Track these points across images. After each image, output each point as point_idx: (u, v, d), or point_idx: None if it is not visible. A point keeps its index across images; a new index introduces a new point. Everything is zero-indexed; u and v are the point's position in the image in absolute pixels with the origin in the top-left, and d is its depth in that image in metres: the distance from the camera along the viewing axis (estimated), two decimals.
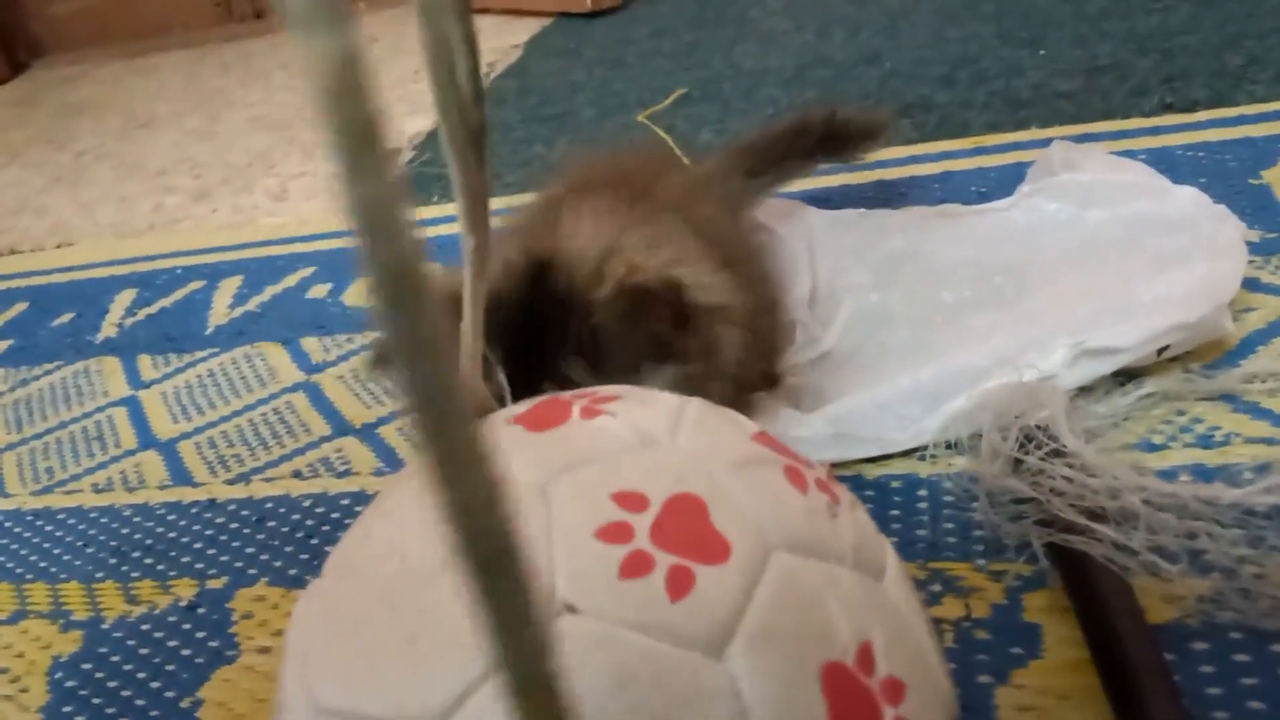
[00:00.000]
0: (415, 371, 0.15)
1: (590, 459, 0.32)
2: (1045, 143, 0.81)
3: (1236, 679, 0.43)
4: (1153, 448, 0.55)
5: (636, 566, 0.28)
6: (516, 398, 0.50)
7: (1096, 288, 0.65)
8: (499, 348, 0.52)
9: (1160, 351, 0.59)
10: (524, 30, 1.71)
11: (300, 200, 1.26)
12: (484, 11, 1.83)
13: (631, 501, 0.30)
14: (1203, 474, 0.53)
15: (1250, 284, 0.64)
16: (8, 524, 0.73)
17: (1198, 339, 0.60)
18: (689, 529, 0.30)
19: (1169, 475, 0.52)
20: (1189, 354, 0.60)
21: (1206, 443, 0.55)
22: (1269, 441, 0.54)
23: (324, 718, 0.30)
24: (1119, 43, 1.08)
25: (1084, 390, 0.59)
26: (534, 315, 0.55)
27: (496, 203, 0.50)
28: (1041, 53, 1.10)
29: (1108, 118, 0.91)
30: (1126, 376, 0.59)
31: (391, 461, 0.70)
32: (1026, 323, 0.63)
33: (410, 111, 1.41)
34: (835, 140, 0.80)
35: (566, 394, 0.37)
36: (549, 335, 0.54)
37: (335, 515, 0.66)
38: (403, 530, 0.33)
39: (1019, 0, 1.28)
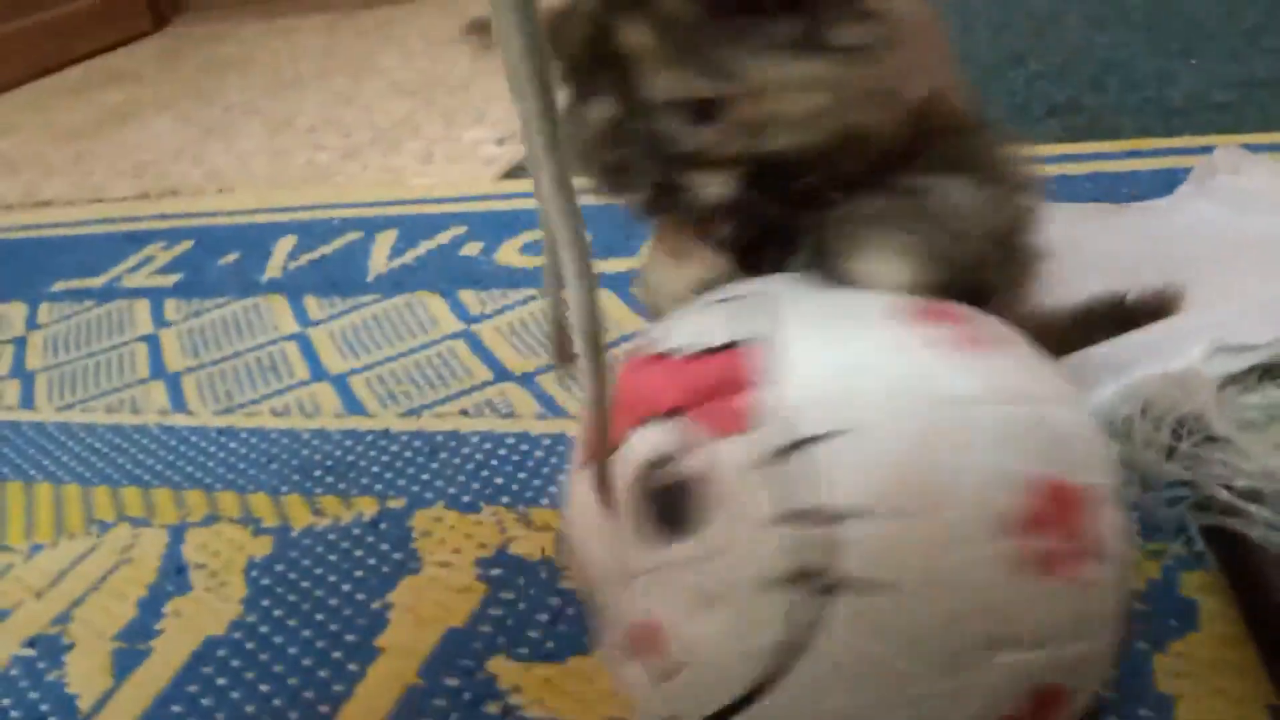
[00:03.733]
0: None
1: None
2: (1199, 150, 0.82)
3: None
4: None
5: None
6: None
7: (1241, 288, 0.66)
8: None
9: None
10: None
11: (445, 164, 1.32)
12: None
13: None
14: None
15: None
16: (194, 439, 0.80)
17: None
18: None
19: None
20: None
21: None
22: None
23: None
24: (1277, 58, 1.07)
25: (1234, 380, 0.60)
26: None
27: None
28: (1192, 62, 1.10)
29: (1266, 130, 0.92)
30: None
31: (552, 408, 0.74)
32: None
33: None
34: (1122, 322, 0.68)
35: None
36: None
37: (502, 452, 0.70)
38: None
39: (1170, 11, 1.27)
